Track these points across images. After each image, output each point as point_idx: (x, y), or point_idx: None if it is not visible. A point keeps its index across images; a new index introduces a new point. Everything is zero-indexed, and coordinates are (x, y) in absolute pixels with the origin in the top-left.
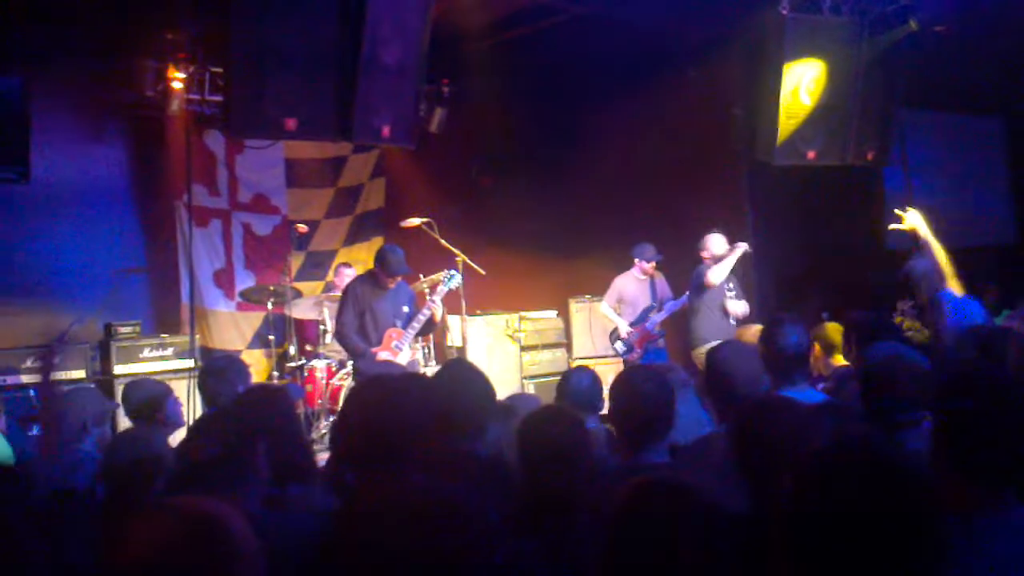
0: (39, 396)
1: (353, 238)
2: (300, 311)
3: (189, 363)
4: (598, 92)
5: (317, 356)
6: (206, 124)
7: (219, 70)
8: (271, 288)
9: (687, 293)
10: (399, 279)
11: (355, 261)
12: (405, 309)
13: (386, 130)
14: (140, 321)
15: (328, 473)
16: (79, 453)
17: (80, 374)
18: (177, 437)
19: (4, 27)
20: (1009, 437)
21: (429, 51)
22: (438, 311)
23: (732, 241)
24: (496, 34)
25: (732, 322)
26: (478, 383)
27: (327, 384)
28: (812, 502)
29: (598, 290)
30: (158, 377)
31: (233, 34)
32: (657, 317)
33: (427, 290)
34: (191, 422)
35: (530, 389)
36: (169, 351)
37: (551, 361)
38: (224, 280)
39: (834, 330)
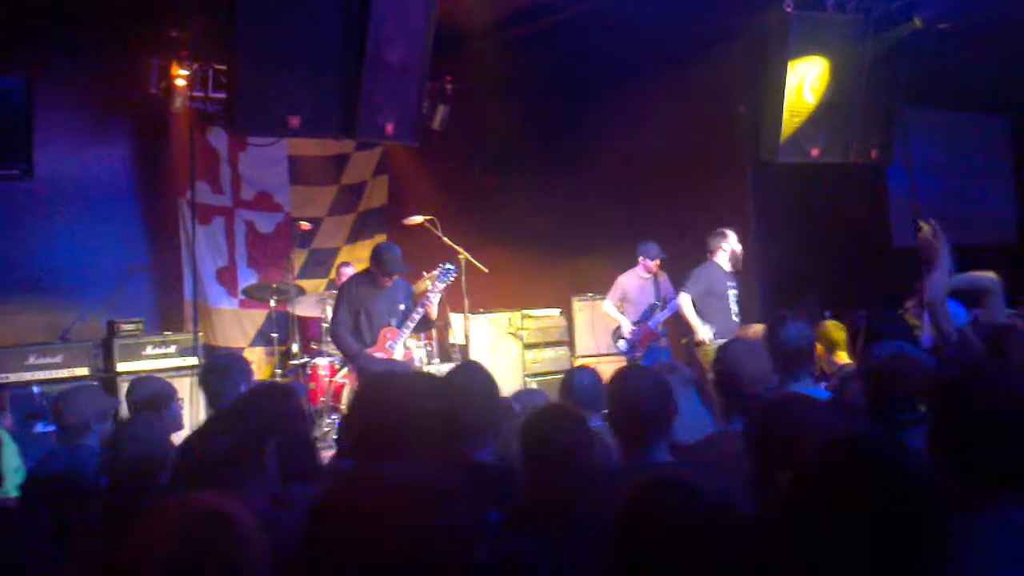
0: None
1: (356, 235)
2: (303, 309)
3: (192, 360)
4: (601, 90)
5: (320, 354)
6: (209, 121)
7: (223, 67)
8: (274, 286)
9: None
10: (396, 277)
11: (358, 259)
12: (401, 307)
13: (390, 128)
14: (143, 318)
15: (331, 470)
16: (83, 449)
17: (83, 371)
18: (177, 438)
19: (8, 24)
20: (1009, 437)
21: (432, 49)
22: (433, 308)
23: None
24: (499, 32)
25: (737, 320)
26: (485, 387)
27: (330, 382)
28: (813, 501)
29: (601, 288)
30: (161, 375)
31: (237, 32)
32: (660, 316)
33: (429, 287)
34: (192, 421)
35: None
36: (172, 348)
37: (554, 359)
38: (227, 277)
39: (835, 328)
